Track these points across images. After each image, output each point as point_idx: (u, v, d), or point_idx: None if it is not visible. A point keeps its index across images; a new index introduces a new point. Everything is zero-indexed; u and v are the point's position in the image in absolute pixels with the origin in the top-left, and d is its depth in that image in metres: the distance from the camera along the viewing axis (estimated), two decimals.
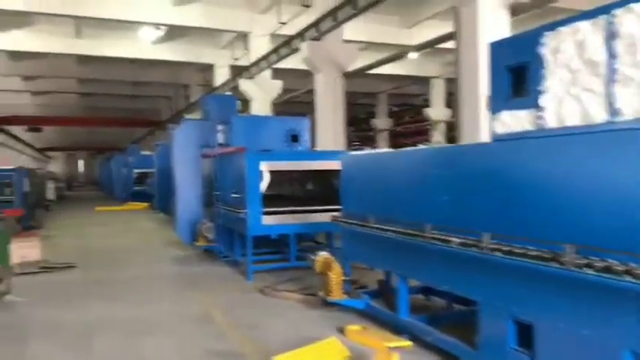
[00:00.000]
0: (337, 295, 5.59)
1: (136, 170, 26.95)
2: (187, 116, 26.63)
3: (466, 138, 8.14)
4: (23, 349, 5.06)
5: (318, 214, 8.01)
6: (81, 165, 74.66)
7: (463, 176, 4.07)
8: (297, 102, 24.44)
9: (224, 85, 21.25)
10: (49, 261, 9.48)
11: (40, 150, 54.50)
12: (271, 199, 8.02)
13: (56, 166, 65.28)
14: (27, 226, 13.30)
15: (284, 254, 9.07)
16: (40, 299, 6.94)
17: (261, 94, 18.25)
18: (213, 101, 11.90)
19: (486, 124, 7.97)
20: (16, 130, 37.65)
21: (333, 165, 7.95)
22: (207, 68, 26.15)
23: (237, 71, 19.86)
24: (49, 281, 8.18)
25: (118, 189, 30.74)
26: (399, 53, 15.49)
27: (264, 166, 7.81)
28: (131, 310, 6.38)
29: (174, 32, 20.92)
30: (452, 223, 4.11)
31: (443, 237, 4.07)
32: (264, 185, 7.86)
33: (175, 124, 30.14)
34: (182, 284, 7.92)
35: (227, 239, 9.18)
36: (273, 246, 9.07)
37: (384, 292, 5.93)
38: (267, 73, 18.11)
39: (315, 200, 8.46)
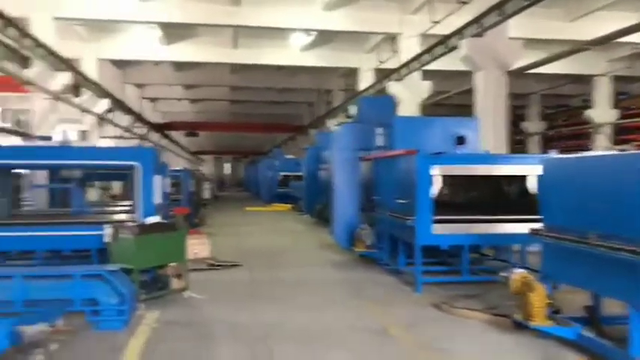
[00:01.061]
0: (540, 320, 4.86)
1: (281, 173, 27.95)
2: (329, 121, 27.02)
3: None
4: (210, 350, 5.07)
5: (495, 225, 7.28)
6: (227, 168, 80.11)
7: None
8: (444, 104, 23.48)
9: (369, 88, 21.05)
10: (217, 258, 9.87)
11: (194, 153, 59.32)
12: (442, 207, 7.45)
13: (206, 168, 70.70)
14: (192, 224, 14.17)
15: (449, 265, 8.44)
16: (215, 297, 7.11)
17: (410, 96, 17.67)
18: (368, 104, 11.66)
19: None
20: (175, 134, 41.34)
21: (518, 170, 7.19)
22: (351, 73, 26.25)
23: (383, 74, 19.56)
24: (220, 279, 8.44)
25: (263, 190, 32.18)
26: (571, 49, 13.95)
27: (436, 170, 7.26)
28: (303, 316, 6.22)
29: (321, 38, 21.24)
30: None
31: None
32: (434, 191, 7.32)
33: (316, 129, 30.96)
34: (347, 291, 7.66)
35: (388, 246, 8.78)
36: (436, 256, 8.47)
37: (593, 320, 5.06)
38: (416, 75, 17.52)
39: (492, 209, 7.71)
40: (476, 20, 12.07)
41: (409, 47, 17.81)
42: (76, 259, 7.47)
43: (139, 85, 30.25)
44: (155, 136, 32.42)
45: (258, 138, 57.14)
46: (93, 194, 16.60)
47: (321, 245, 12.13)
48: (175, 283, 7.01)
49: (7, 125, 33.56)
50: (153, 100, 34.90)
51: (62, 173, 8.44)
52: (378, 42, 20.98)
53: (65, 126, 9.29)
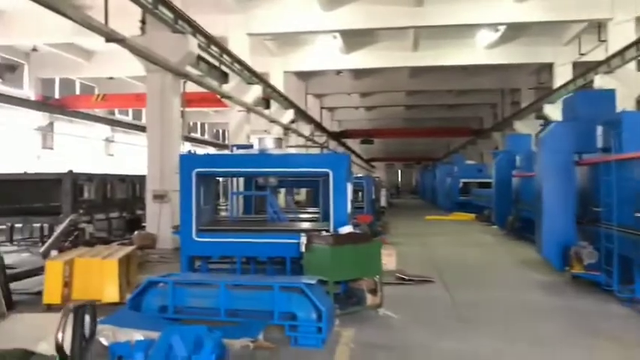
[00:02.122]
0: None
1: (462, 179, 26.46)
2: (517, 122, 24.79)
3: None
4: None
5: None
6: (399, 174, 79.53)
7: None
8: None
9: (568, 84, 18.67)
10: (405, 272, 9.22)
11: (366, 161, 60.05)
12: None
13: (378, 175, 70.86)
14: (374, 232, 13.77)
15: None
16: (412, 317, 6.45)
17: (624, 90, 15.05)
18: (581, 100, 9.98)
19: None
20: (350, 142, 42.09)
21: None
22: (543, 69, 23.83)
23: (586, 68, 17.16)
24: (413, 296, 7.76)
25: (441, 198, 30.88)
26: None
27: None
28: (527, 352, 5.22)
29: (509, 33, 19.52)
30: None
31: None
32: None
33: (500, 131, 28.75)
34: (570, 322, 6.38)
35: (618, 269, 7.22)
36: None
37: None
38: (631, 65, 14.94)
39: None
40: None
41: (621, 33, 15.31)
42: (270, 265, 7.44)
43: (319, 96, 31.38)
44: (332, 144, 33.32)
45: (431, 143, 55.79)
46: (281, 200, 17.30)
47: (521, 262, 10.75)
48: (370, 299, 6.52)
49: (205, 137, 37.41)
50: (331, 109, 36.01)
51: (258, 180, 8.63)
52: (579, 31, 18.55)
53: (259, 136, 9.65)
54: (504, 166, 15.96)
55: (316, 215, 9.47)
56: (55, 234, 10.30)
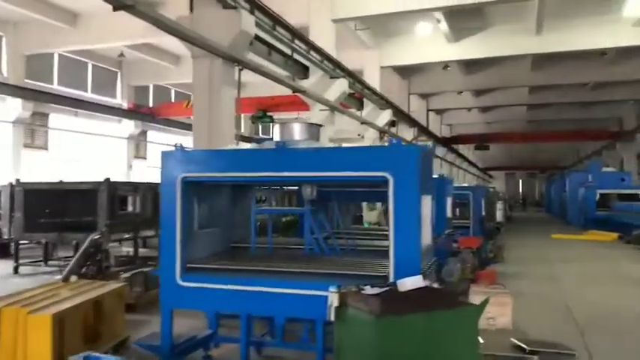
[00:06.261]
0: None
1: (599, 191, 21.89)
2: None
3: None
4: None
5: None
6: (519, 185, 72.54)
7: None
8: None
9: None
10: (527, 334, 6.01)
11: (483, 170, 54.84)
12: None
13: (497, 186, 64.73)
14: (483, 260, 10.46)
15: None
16: None
17: None
18: None
19: None
20: (462, 149, 37.85)
21: None
22: None
23: None
24: None
25: (572, 213, 26.05)
26: None
27: None
28: None
29: None
30: None
31: None
32: None
33: None
34: None
35: None
36: None
37: None
38: None
39: None
40: None
41: None
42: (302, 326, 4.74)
43: (425, 96, 28.10)
44: (441, 151, 29.68)
45: (558, 149, 49.69)
46: (372, 216, 14.31)
47: None
48: None
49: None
50: (439, 112, 32.41)
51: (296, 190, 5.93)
52: None
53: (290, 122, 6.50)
54: None
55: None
56: (75, 257, 8.56)
